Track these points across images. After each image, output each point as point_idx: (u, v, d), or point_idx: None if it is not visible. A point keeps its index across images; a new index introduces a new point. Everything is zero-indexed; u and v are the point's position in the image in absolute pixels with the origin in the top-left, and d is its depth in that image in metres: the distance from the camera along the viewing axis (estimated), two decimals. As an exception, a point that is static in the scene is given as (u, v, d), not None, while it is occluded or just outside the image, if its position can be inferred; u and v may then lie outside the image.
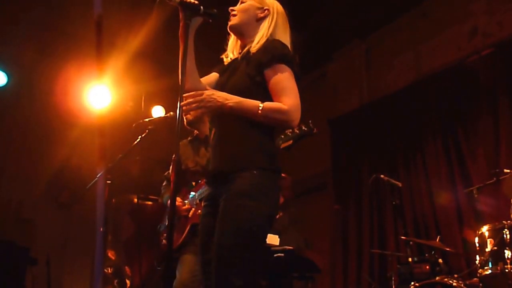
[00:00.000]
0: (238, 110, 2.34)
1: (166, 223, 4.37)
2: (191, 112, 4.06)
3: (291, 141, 2.85)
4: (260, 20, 2.58)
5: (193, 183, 4.09)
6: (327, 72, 8.43)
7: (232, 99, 2.34)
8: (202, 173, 4.05)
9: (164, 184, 4.47)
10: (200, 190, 3.96)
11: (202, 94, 2.34)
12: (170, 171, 4.40)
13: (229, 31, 2.65)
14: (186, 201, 4.03)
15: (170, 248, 2.27)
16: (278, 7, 2.64)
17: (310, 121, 2.85)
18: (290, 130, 2.84)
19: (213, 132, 2.56)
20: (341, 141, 7.76)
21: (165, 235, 4.30)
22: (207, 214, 2.49)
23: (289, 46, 2.51)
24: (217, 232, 2.28)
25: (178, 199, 4.08)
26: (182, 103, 2.30)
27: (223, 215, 2.28)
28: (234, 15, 2.58)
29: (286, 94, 2.37)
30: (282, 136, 2.87)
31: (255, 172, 2.30)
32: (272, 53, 2.41)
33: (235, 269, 2.20)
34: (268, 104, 2.34)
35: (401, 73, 7.14)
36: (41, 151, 7.82)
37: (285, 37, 2.56)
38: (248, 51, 2.52)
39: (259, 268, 2.37)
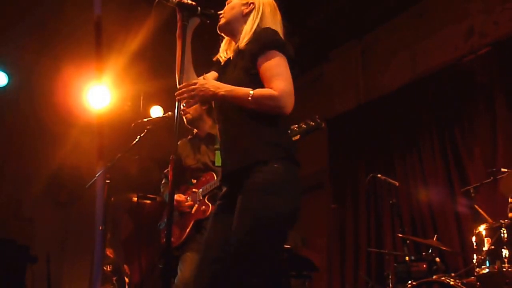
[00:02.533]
0: (230, 98, 2.33)
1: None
2: (190, 110, 4.10)
3: (298, 136, 2.87)
4: (246, 15, 2.54)
5: (193, 181, 4.11)
6: (323, 72, 8.44)
7: (223, 88, 2.33)
8: (204, 170, 4.07)
9: (163, 182, 4.47)
10: (204, 187, 3.98)
11: (195, 84, 2.33)
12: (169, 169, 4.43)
13: (219, 32, 2.63)
14: (189, 198, 4.04)
15: (169, 245, 2.28)
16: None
17: (317, 116, 2.86)
18: (297, 125, 2.84)
19: (220, 130, 2.53)
20: (338, 141, 7.76)
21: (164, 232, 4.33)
22: (220, 212, 2.44)
23: (280, 33, 2.49)
24: (235, 230, 2.21)
25: (181, 195, 4.11)
26: (176, 93, 2.32)
27: (241, 211, 2.23)
28: (223, 17, 2.59)
29: (276, 80, 2.31)
30: (289, 131, 2.88)
31: (275, 165, 2.24)
32: (263, 41, 2.38)
33: (254, 267, 2.16)
34: (258, 90, 2.29)
35: (397, 73, 7.14)
36: (40, 150, 7.87)
37: (274, 25, 2.51)
38: (238, 46, 2.50)
39: (278, 265, 2.31)
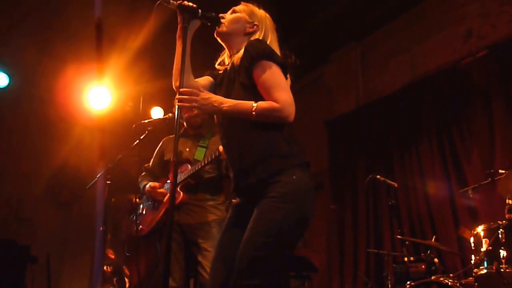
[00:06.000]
0: (233, 113, 2.35)
1: (139, 212, 4.49)
2: (187, 111, 4.16)
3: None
4: (248, 34, 2.59)
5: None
6: (323, 74, 8.46)
7: (227, 103, 2.35)
8: (182, 163, 4.16)
9: (142, 174, 4.54)
10: (178, 176, 4.07)
11: (198, 94, 2.34)
12: (150, 164, 4.51)
13: (215, 36, 2.63)
14: (163, 188, 4.21)
15: (169, 244, 2.29)
16: (268, 21, 2.65)
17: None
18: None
19: (224, 140, 2.55)
20: (337, 142, 7.78)
21: (138, 222, 4.42)
22: (236, 215, 2.49)
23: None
24: (248, 230, 2.26)
25: (156, 184, 4.26)
26: (177, 97, 2.33)
27: (257, 214, 2.27)
28: (225, 25, 2.59)
29: (275, 91, 2.34)
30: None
31: (294, 176, 2.29)
32: (251, 53, 2.41)
33: (257, 267, 2.18)
34: (261, 103, 2.31)
35: (396, 74, 7.16)
36: (41, 151, 7.89)
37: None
38: (234, 61, 2.53)
39: (282, 270, 2.31)
